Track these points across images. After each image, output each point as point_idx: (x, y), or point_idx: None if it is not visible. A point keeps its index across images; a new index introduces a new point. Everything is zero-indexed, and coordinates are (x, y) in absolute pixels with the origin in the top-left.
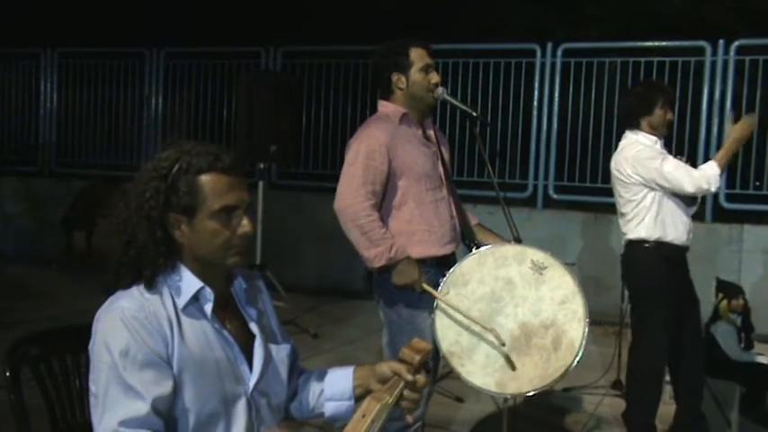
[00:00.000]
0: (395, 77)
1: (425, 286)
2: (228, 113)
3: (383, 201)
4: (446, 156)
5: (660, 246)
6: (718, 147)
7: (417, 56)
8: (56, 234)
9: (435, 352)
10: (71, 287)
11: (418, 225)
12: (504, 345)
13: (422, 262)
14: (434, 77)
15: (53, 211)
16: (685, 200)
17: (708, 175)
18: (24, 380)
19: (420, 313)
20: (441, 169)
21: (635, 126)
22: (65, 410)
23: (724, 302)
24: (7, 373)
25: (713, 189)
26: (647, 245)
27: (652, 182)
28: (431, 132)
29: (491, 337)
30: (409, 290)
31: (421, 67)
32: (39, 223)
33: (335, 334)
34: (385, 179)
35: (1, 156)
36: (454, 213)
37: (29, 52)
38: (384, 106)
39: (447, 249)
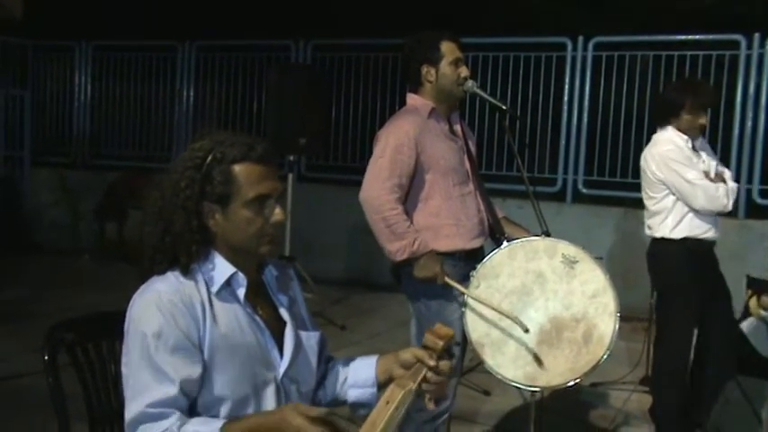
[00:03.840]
0: (424, 70)
1: (448, 280)
2: (258, 106)
3: (410, 194)
4: (473, 150)
5: (684, 242)
6: (753, 142)
7: (448, 49)
8: (88, 224)
9: (463, 344)
10: (103, 277)
11: (446, 219)
12: (527, 331)
13: (450, 255)
14: (464, 71)
15: (86, 201)
16: None
17: (730, 193)
18: (62, 366)
19: (449, 305)
20: (467, 164)
21: (665, 125)
22: (100, 396)
23: (753, 299)
24: (45, 357)
25: (730, 207)
26: (670, 242)
27: (670, 185)
28: (457, 127)
29: (521, 331)
30: (432, 283)
31: (451, 61)
32: (72, 214)
33: (363, 326)
34: (412, 173)
35: (36, 147)
36: (482, 207)
37: (64, 45)
38: (413, 99)
39: (475, 243)
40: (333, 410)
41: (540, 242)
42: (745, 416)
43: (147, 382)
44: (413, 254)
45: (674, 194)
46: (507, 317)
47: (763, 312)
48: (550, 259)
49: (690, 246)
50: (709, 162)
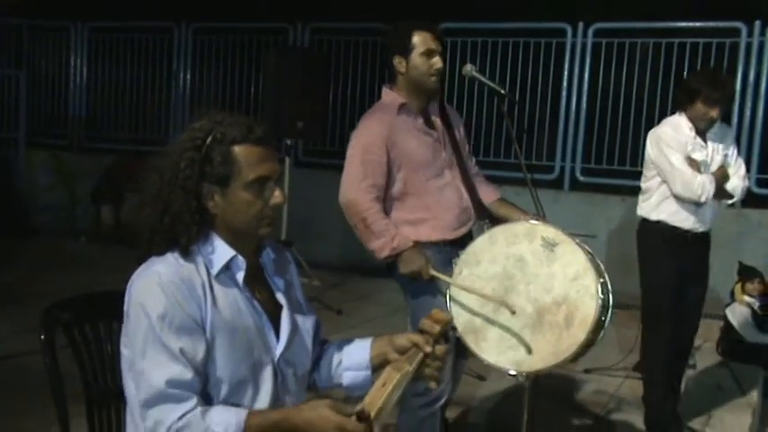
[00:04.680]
0: (396, 61)
1: (433, 272)
2: (256, 90)
3: (387, 192)
4: (459, 136)
5: (662, 227)
6: (751, 131)
7: (420, 39)
8: (85, 207)
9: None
10: (99, 260)
11: (424, 214)
12: (514, 312)
13: (434, 244)
14: (437, 63)
15: (82, 184)
16: None
17: (707, 187)
18: (59, 347)
19: (435, 300)
20: (444, 155)
21: (681, 110)
22: (97, 376)
23: (738, 285)
24: (42, 337)
25: (703, 199)
26: (650, 224)
27: (656, 165)
28: (436, 117)
29: (504, 317)
30: (417, 277)
31: (423, 52)
32: (68, 196)
33: (359, 311)
34: (386, 170)
35: (31, 128)
36: (464, 195)
37: (59, 25)
38: (385, 94)
39: (457, 234)
40: (365, 407)
41: (519, 226)
42: (738, 402)
43: (158, 360)
44: (393, 250)
45: (660, 175)
46: (495, 301)
47: (747, 298)
48: (530, 243)
49: (664, 229)
50: (714, 155)
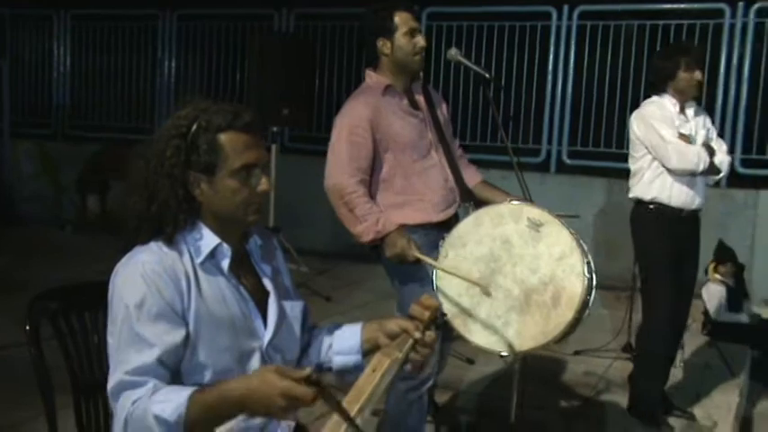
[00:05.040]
0: (380, 43)
1: (418, 255)
2: (241, 76)
3: (372, 175)
4: (442, 116)
5: (657, 206)
6: (735, 111)
7: (402, 19)
8: (70, 196)
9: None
10: (85, 249)
11: (410, 196)
12: (489, 295)
13: (420, 227)
14: (420, 41)
15: (67, 173)
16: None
17: (703, 156)
18: (45, 339)
19: (423, 288)
20: (430, 136)
21: (662, 91)
22: (84, 367)
23: (712, 265)
24: (27, 328)
25: (700, 168)
26: (645, 204)
27: (647, 142)
28: (419, 97)
29: (490, 297)
30: (404, 260)
31: (405, 32)
32: (53, 186)
33: (348, 297)
34: (371, 154)
35: (15, 118)
36: (450, 177)
37: (42, 14)
38: (369, 77)
39: (444, 215)
40: (313, 370)
41: (504, 207)
42: (725, 381)
43: (127, 352)
44: (378, 233)
45: (650, 153)
46: (475, 284)
47: (718, 276)
48: (516, 224)
49: (660, 210)
50: (698, 129)
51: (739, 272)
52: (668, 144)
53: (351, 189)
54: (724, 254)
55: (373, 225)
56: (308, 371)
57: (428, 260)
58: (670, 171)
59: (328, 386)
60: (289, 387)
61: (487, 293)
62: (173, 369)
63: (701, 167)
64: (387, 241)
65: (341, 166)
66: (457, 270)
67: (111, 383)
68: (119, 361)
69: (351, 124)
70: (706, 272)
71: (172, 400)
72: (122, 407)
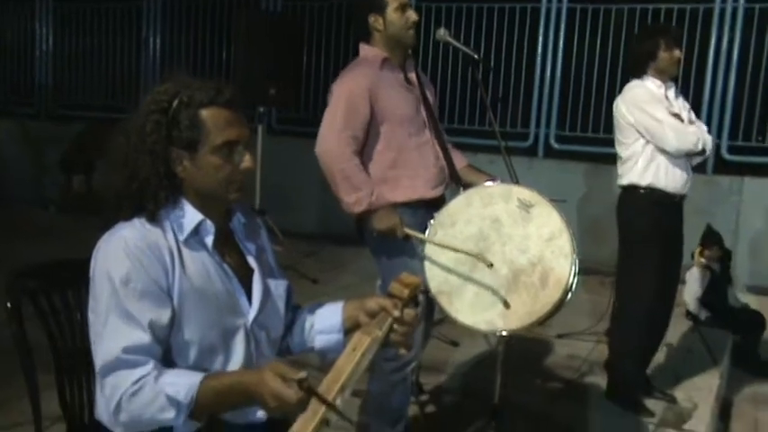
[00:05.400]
0: (372, 19)
1: (408, 230)
2: (228, 55)
3: (365, 147)
4: (431, 98)
5: (652, 192)
6: (723, 98)
7: None
8: (54, 176)
9: (429, 299)
10: (70, 229)
11: (403, 170)
12: (491, 265)
13: (409, 205)
14: (412, 16)
15: (51, 153)
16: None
17: (705, 135)
18: (27, 317)
19: (411, 261)
20: (424, 113)
21: (642, 74)
22: (66, 345)
23: (698, 249)
24: (8, 305)
25: (700, 147)
26: (639, 190)
27: (641, 127)
28: (412, 75)
29: (479, 276)
30: (392, 236)
31: (396, 7)
32: (37, 165)
33: (334, 279)
34: (367, 125)
35: None
36: (440, 156)
37: None
38: (365, 50)
39: (435, 192)
40: (308, 375)
41: (495, 187)
42: (707, 365)
43: (117, 327)
44: (371, 205)
45: (644, 138)
46: (472, 255)
47: (703, 261)
48: (506, 204)
49: (655, 196)
50: (681, 111)
51: (725, 257)
52: (664, 125)
53: (347, 157)
54: (711, 238)
55: (368, 196)
56: (301, 375)
57: (418, 235)
58: (667, 153)
59: (316, 388)
60: (278, 391)
61: (483, 260)
62: (165, 347)
63: (701, 146)
64: (377, 215)
65: (338, 133)
66: (445, 243)
67: (103, 360)
68: (108, 337)
69: (350, 93)
70: (692, 256)
71: (184, 383)
72: (117, 385)
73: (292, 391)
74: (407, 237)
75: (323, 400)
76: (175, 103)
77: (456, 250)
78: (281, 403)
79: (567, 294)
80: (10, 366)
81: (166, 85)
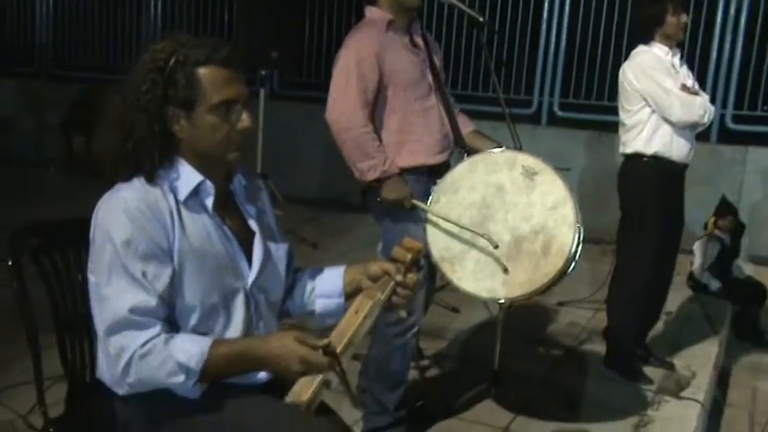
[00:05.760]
0: None
1: (415, 202)
2: (230, 18)
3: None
4: (437, 61)
5: (657, 160)
6: (729, 66)
7: None
8: (54, 137)
9: (431, 265)
10: (70, 190)
11: (407, 135)
12: (497, 247)
13: (413, 170)
14: None
15: (51, 113)
16: None
17: (709, 105)
18: (28, 279)
19: (415, 226)
20: (430, 77)
21: (649, 39)
22: (67, 304)
23: (712, 219)
24: (9, 262)
25: (706, 120)
26: (643, 158)
27: (647, 94)
28: (418, 38)
29: (482, 243)
30: (399, 206)
31: None
32: (37, 126)
33: (335, 245)
34: (376, 88)
35: None
36: (445, 121)
37: None
38: (370, 12)
39: (438, 158)
40: (332, 342)
41: (500, 154)
42: (706, 334)
43: (122, 288)
44: (384, 173)
45: (650, 106)
46: (476, 234)
47: (717, 232)
48: (510, 171)
49: (660, 165)
50: (686, 78)
51: (738, 229)
52: (671, 96)
53: (362, 123)
54: (726, 209)
55: (380, 164)
56: (326, 341)
57: (424, 207)
58: (671, 123)
59: (340, 359)
60: (307, 355)
61: (484, 237)
62: (170, 309)
63: (706, 119)
64: (388, 184)
65: (350, 99)
66: (449, 217)
67: (109, 319)
68: (111, 297)
69: (358, 57)
70: (705, 226)
71: (194, 349)
72: (125, 345)
73: (322, 356)
74: (413, 207)
75: (340, 365)
76: (172, 61)
77: (461, 227)
78: (309, 369)
79: (570, 263)
80: (11, 326)
81: (163, 43)
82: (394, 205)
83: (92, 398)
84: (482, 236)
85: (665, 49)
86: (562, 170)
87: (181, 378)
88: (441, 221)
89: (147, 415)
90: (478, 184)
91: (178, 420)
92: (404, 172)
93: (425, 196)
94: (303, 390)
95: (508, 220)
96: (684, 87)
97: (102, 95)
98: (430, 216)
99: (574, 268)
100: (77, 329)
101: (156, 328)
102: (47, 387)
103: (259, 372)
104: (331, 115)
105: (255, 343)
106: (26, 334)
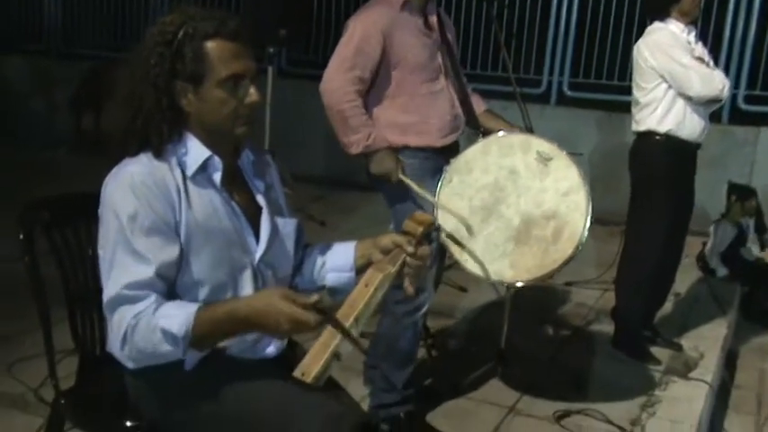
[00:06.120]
0: None
1: (402, 177)
2: None
3: (376, 90)
4: (451, 39)
5: (669, 139)
6: (743, 46)
7: None
8: (64, 115)
9: (441, 244)
10: (80, 169)
11: (413, 117)
12: (471, 233)
13: (422, 150)
14: None
15: (61, 91)
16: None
17: (725, 81)
18: (39, 252)
19: (424, 203)
20: (440, 59)
21: (665, 16)
22: (78, 278)
23: (738, 204)
24: (21, 236)
25: (725, 94)
26: (656, 137)
27: (664, 71)
28: (433, 19)
29: (491, 227)
30: (387, 180)
31: None
32: (47, 104)
33: (343, 223)
34: (375, 67)
35: (5, 34)
36: (456, 104)
37: None
38: None
39: (445, 141)
40: (321, 298)
41: (515, 138)
42: (714, 315)
43: (124, 264)
44: (367, 148)
45: (666, 83)
46: (459, 219)
47: (745, 218)
48: (524, 155)
49: (672, 144)
50: (702, 55)
51: (760, 214)
52: (689, 71)
53: (349, 98)
54: (743, 191)
55: (364, 139)
56: (314, 298)
57: (412, 185)
58: (688, 100)
59: (332, 312)
60: (295, 314)
61: (467, 228)
62: (170, 283)
63: (725, 93)
64: (375, 157)
65: (343, 71)
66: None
67: (107, 296)
68: (114, 274)
69: (364, 31)
70: (727, 210)
71: (179, 315)
72: (121, 320)
73: (311, 314)
74: (401, 182)
75: (337, 323)
76: (180, 34)
77: (445, 209)
78: (297, 327)
79: (578, 249)
80: (22, 301)
81: (171, 16)
82: (381, 179)
83: (102, 371)
84: (461, 220)
85: (681, 26)
86: (576, 155)
87: (169, 346)
88: (450, 202)
89: (156, 389)
90: (492, 166)
91: (186, 394)
92: (411, 149)
93: (437, 174)
94: (314, 362)
95: (520, 204)
96: (700, 60)
97: (112, 74)
98: (440, 197)
99: (579, 251)
100: (88, 303)
101: (149, 300)
102: (58, 360)
103: (249, 332)
104: (323, 86)
105: (241, 303)
106: (37, 308)
